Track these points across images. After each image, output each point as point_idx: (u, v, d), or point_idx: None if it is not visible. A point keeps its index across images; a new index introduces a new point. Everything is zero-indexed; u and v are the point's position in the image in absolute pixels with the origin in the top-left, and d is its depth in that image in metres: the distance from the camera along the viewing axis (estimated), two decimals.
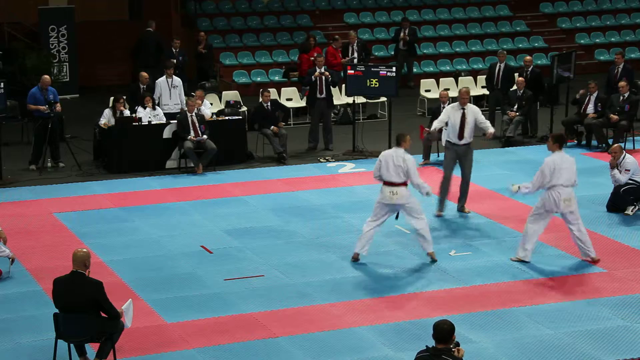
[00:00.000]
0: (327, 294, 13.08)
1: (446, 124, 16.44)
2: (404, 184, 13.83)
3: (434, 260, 14.12)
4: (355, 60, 24.03)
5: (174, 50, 24.42)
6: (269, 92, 20.74)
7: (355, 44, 24.66)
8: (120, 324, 10.64)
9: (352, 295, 13.02)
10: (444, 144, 17.13)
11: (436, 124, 16.77)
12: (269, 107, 20.42)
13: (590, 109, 21.04)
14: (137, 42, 25.92)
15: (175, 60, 22.99)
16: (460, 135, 16.21)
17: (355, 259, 14.24)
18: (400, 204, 13.90)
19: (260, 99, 20.59)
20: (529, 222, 14.09)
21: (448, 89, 22.72)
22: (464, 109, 16.23)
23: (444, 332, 8.62)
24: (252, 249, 14.90)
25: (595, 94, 21.08)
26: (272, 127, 20.25)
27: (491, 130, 16.62)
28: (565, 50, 25.59)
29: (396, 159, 13.80)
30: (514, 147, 21.06)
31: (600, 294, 13.07)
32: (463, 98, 16.30)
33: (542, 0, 31.39)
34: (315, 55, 22.17)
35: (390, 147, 20.50)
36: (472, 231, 15.63)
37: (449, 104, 17.90)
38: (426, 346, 8.72)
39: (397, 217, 14.29)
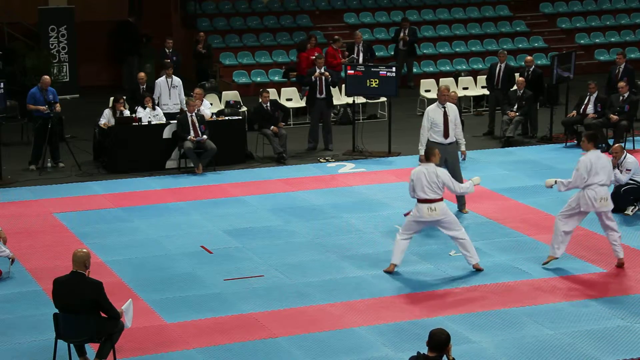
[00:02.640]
0: (327, 294, 13.06)
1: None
2: (441, 199, 13.60)
3: (479, 271, 13.77)
4: (361, 60, 24.03)
5: (167, 51, 24.39)
6: (267, 92, 20.72)
7: (360, 44, 24.66)
8: (120, 324, 10.63)
9: (352, 295, 13.00)
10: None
11: (423, 135, 16.07)
12: (268, 107, 20.41)
13: (590, 109, 21.03)
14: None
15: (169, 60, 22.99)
16: (446, 134, 16.08)
17: (391, 271, 13.79)
18: (439, 220, 13.62)
19: (260, 100, 20.58)
20: (560, 222, 13.80)
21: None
22: (444, 107, 16.13)
23: (440, 341, 8.56)
24: (252, 249, 14.89)
25: (595, 94, 21.07)
26: (272, 127, 20.24)
27: (463, 148, 16.42)
28: (565, 51, 25.57)
29: (429, 175, 13.46)
30: (513, 147, 21.05)
31: (600, 294, 13.05)
32: (443, 95, 16.10)
33: (542, 1, 31.39)
34: (316, 55, 22.17)
35: (390, 148, 20.76)
36: (472, 231, 15.58)
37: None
38: (417, 352, 8.69)
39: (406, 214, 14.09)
